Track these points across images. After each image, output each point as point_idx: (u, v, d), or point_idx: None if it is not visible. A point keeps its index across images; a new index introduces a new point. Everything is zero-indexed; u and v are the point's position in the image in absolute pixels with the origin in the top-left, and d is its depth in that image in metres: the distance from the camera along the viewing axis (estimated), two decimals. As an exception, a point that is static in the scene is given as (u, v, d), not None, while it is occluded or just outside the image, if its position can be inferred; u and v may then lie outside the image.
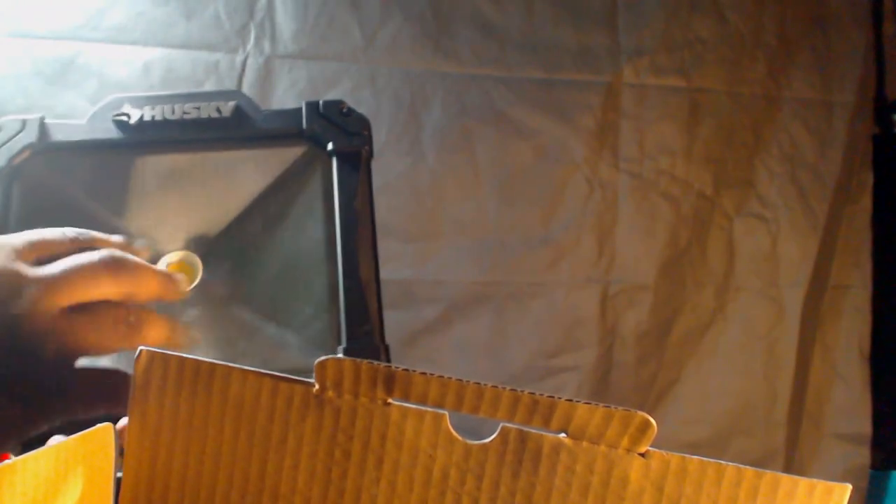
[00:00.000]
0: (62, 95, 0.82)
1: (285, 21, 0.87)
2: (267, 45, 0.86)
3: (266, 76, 0.86)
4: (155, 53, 0.84)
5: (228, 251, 0.48)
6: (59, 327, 0.37)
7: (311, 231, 0.48)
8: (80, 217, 0.46)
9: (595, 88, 0.92)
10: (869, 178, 0.97)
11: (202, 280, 0.46)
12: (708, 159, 0.94)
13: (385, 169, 0.88)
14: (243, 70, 0.85)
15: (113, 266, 0.38)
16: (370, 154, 0.50)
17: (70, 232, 0.39)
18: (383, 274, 0.86)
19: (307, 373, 0.43)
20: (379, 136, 0.88)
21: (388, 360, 0.45)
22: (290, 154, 0.50)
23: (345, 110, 0.50)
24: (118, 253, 0.39)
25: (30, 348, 0.36)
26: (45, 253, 0.38)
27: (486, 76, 0.90)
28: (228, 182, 0.49)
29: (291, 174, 0.50)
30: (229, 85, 0.85)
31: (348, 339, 0.44)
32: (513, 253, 0.90)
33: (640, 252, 0.92)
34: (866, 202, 0.97)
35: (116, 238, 0.41)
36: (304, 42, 0.87)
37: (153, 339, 0.39)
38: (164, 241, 0.48)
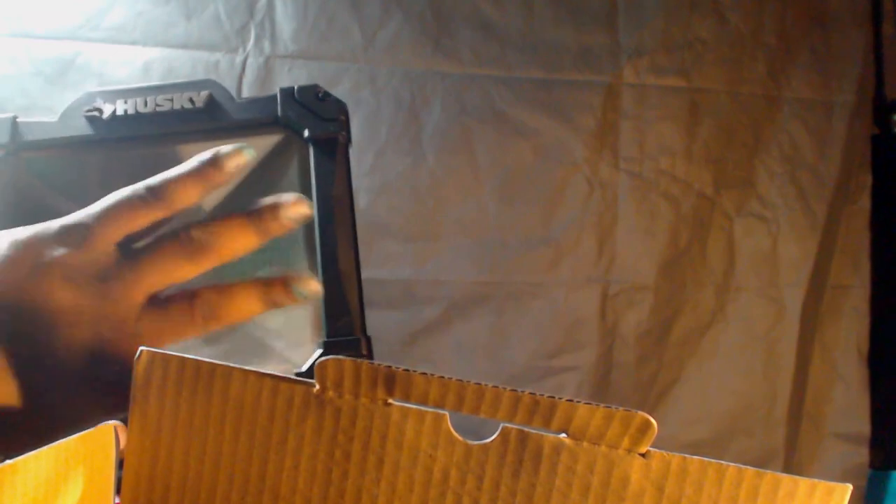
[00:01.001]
0: (62, 95, 0.82)
1: (285, 21, 0.87)
2: (267, 45, 0.86)
3: (266, 76, 0.86)
4: (155, 53, 0.84)
5: None
6: (138, 326, 0.36)
7: None
8: (54, 214, 0.46)
9: (595, 88, 0.92)
10: (868, 179, 0.97)
11: None
12: (708, 159, 0.94)
13: (385, 169, 0.88)
14: (243, 70, 0.85)
15: (194, 249, 0.37)
16: (348, 139, 0.49)
17: (143, 189, 0.38)
18: (383, 274, 0.87)
19: (288, 367, 0.43)
20: (379, 136, 0.88)
21: (371, 352, 0.44)
22: (265, 143, 0.48)
23: (321, 95, 0.49)
24: (196, 233, 0.37)
25: (109, 350, 0.36)
26: (125, 227, 0.37)
27: (486, 76, 0.90)
28: None
29: (267, 163, 0.48)
30: (229, 84, 0.85)
31: (328, 333, 0.43)
32: (513, 253, 0.90)
33: (640, 252, 0.92)
34: (865, 202, 0.97)
35: (200, 161, 0.39)
36: (304, 42, 0.87)
37: (234, 317, 0.38)
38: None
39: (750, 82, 0.95)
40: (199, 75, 0.84)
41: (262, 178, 0.48)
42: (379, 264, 0.87)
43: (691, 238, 0.93)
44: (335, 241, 0.45)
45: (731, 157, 0.95)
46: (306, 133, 0.48)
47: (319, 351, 0.43)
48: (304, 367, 0.42)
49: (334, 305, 0.44)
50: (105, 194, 0.47)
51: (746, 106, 0.95)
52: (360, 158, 0.87)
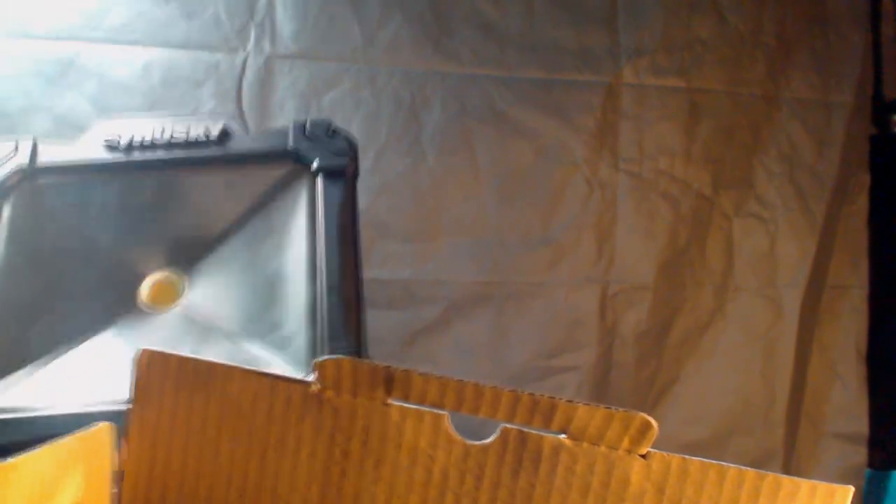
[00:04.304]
0: (62, 95, 0.82)
1: (285, 21, 0.87)
2: (267, 45, 0.86)
3: (266, 76, 0.86)
4: (155, 53, 0.84)
5: (214, 269, 0.48)
6: None
7: (295, 248, 0.48)
8: (69, 237, 0.46)
9: (595, 89, 0.92)
10: (866, 179, 0.97)
11: (186, 299, 0.46)
12: (707, 159, 0.94)
13: (385, 169, 0.88)
14: (243, 70, 0.85)
15: None
16: (355, 172, 0.51)
17: None
18: (383, 274, 0.87)
19: None
20: (379, 136, 0.88)
21: None
22: (275, 173, 0.50)
23: (331, 130, 0.51)
24: None
25: None
26: None
27: (486, 76, 0.90)
28: (215, 202, 0.50)
29: (277, 193, 0.50)
30: (229, 85, 0.85)
31: (329, 353, 0.44)
32: (513, 253, 0.90)
33: (639, 252, 0.92)
34: (864, 202, 0.97)
35: None
36: (304, 42, 0.87)
37: None
38: (149, 260, 0.48)
39: (749, 83, 0.95)
40: (199, 75, 0.84)
41: (271, 207, 0.49)
42: (379, 264, 0.86)
43: (690, 238, 0.93)
44: (339, 268, 0.46)
45: (730, 157, 0.95)
46: (315, 164, 0.49)
47: (318, 373, 0.43)
48: None
49: (335, 328, 0.44)
50: (117, 217, 0.48)
51: (745, 106, 0.95)
52: (360, 158, 0.87)
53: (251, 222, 0.49)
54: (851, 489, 0.27)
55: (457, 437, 0.29)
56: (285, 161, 0.50)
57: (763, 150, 0.96)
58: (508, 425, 0.29)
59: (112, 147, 0.50)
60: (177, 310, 0.46)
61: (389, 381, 0.29)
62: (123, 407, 0.41)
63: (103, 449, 0.31)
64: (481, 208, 0.90)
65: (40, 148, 0.50)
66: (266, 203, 0.49)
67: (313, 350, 0.44)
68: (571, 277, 0.91)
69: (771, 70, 0.96)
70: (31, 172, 0.49)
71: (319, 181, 0.49)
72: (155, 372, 0.30)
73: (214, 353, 0.44)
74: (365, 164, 0.87)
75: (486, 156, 0.90)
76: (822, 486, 0.27)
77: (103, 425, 0.31)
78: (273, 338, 0.45)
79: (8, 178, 0.49)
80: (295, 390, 0.30)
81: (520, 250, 0.90)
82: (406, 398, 0.29)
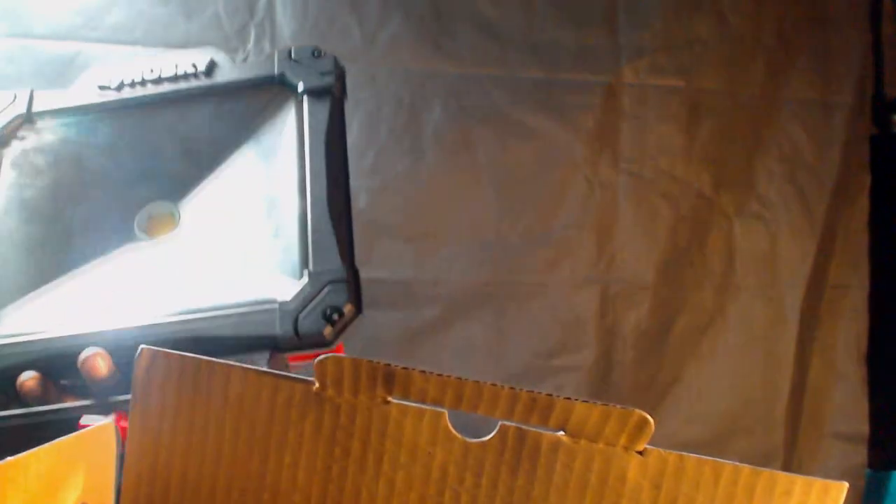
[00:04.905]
0: (63, 95, 0.82)
1: (285, 21, 0.87)
2: (267, 45, 0.86)
3: (266, 76, 0.86)
4: (154, 53, 0.84)
5: (208, 197, 0.49)
6: None
7: (287, 170, 0.48)
8: (68, 178, 0.47)
9: (595, 89, 0.92)
10: (867, 179, 0.97)
11: (183, 227, 0.47)
12: (707, 160, 0.94)
13: (385, 169, 0.88)
14: (243, 70, 0.85)
15: None
16: (342, 91, 0.51)
17: None
18: (383, 274, 0.87)
19: (272, 302, 0.43)
20: (379, 136, 0.88)
21: (358, 286, 0.44)
22: (263, 98, 0.51)
23: (316, 52, 0.51)
24: None
25: None
26: None
27: (486, 76, 0.90)
28: (206, 131, 0.51)
29: (266, 118, 0.51)
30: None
31: (315, 263, 0.44)
32: (513, 253, 0.90)
33: (640, 252, 0.92)
34: (864, 203, 0.97)
35: None
36: (304, 42, 0.87)
37: None
38: (145, 193, 0.49)
39: (749, 83, 0.95)
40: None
41: (261, 131, 0.50)
42: (379, 264, 0.87)
43: (691, 238, 0.94)
44: (325, 181, 0.46)
45: (730, 157, 0.95)
46: (301, 86, 0.49)
47: (305, 281, 0.43)
48: (289, 298, 0.42)
49: (322, 239, 0.44)
50: (113, 154, 0.48)
51: (746, 106, 0.95)
52: (360, 158, 0.87)
53: (242, 149, 0.50)
54: (845, 485, 0.27)
55: (456, 434, 0.30)
56: (272, 86, 0.51)
57: (763, 150, 0.96)
58: (507, 423, 0.29)
59: (105, 89, 0.51)
60: (174, 239, 0.47)
61: (389, 380, 0.29)
62: (121, 330, 0.41)
63: (105, 447, 0.31)
64: (481, 208, 0.90)
65: (37, 96, 0.52)
66: (256, 128, 0.50)
67: (302, 261, 0.44)
68: (571, 277, 0.91)
69: (771, 70, 0.96)
70: (29, 118, 0.51)
71: (305, 101, 0.49)
72: (155, 370, 0.30)
73: (212, 279, 0.45)
74: (365, 163, 0.88)
75: (486, 156, 0.90)
76: (818, 483, 0.27)
77: (105, 424, 0.31)
78: (269, 259, 0.45)
79: (7, 125, 0.50)
80: (296, 389, 0.30)
81: (520, 250, 0.90)
82: (406, 396, 0.29)
